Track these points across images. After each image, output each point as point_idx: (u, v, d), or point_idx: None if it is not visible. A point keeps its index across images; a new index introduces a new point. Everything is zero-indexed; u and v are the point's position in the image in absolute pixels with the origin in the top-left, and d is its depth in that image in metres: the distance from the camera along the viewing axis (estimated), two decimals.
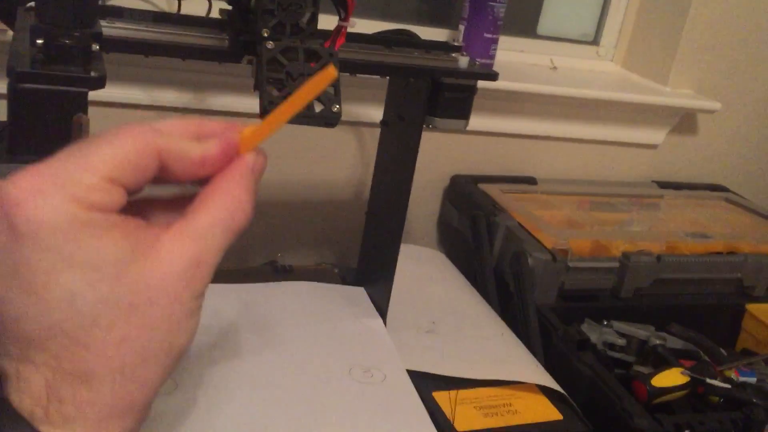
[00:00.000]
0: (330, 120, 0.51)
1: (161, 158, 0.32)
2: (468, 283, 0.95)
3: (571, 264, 0.91)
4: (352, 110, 1.01)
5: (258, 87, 0.51)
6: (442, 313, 0.84)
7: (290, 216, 1.02)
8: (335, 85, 0.52)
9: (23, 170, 0.30)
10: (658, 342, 0.85)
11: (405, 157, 0.72)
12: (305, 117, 0.50)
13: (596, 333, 0.87)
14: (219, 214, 0.33)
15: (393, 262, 0.76)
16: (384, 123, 0.77)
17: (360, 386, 0.64)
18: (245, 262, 0.84)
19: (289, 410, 0.60)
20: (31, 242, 0.29)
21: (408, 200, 0.73)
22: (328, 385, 0.63)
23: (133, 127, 0.32)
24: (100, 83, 0.46)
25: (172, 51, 0.54)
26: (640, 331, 0.88)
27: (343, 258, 1.01)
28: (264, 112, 0.51)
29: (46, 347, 0.29)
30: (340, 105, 0.52)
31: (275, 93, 0.49)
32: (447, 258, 1.02)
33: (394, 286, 0.78)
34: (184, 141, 0.33)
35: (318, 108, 0.51)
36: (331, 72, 0.32)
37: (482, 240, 0.97)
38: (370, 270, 0.82)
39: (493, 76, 0.65)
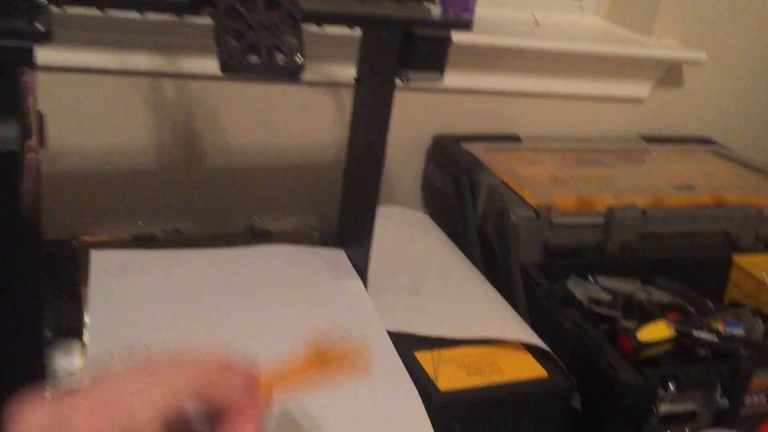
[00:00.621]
0: (293, 71, 0.49)
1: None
2: (451, 243, 0.93)
3: (555, 220, 0.89)
4: (329, 70, 0.98)
5: (216, 39, 0.48)
6: (424, 274, 0.83)
7: (269, 181, 1.00)
8: (299, 34, 0.49)
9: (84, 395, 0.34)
10: (643, 296, 0.84)
11: (380, 114, 0.70)
12: (267, 69, 0.48)
13: (581, 289, 0.86)
14: None
15: (371, 221, 0.75)
16: (358, 79, 0.74)
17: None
18: (223, 227, 0.82)
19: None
20: None
21: (384, 158, 0.71)
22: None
23: (190, 369, 0.36)
24: (46, 37, 0.44)
25: (127, 3, 0.51)
26: (625, 286, 0.86)
27: (323, 222, 0.99)
28: (224, 66, 0.48)
29: None
30: (303, 56, 0.50)
31: (233, 44, 0.47)
32: (430, 219, 1.00)
33: (375, 248, 0.76)
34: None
35: (281, 60, 0.49)
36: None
37: (465, 199, 0.95)
38: (350, 231, 0.81)
39: (465, 24, 0.63)
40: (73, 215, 0.85)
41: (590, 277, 0.89)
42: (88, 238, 0.74)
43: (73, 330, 0.65)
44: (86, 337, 0.59)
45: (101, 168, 0.90)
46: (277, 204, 0.99)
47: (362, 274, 0.76)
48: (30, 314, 0.52)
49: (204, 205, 0.94)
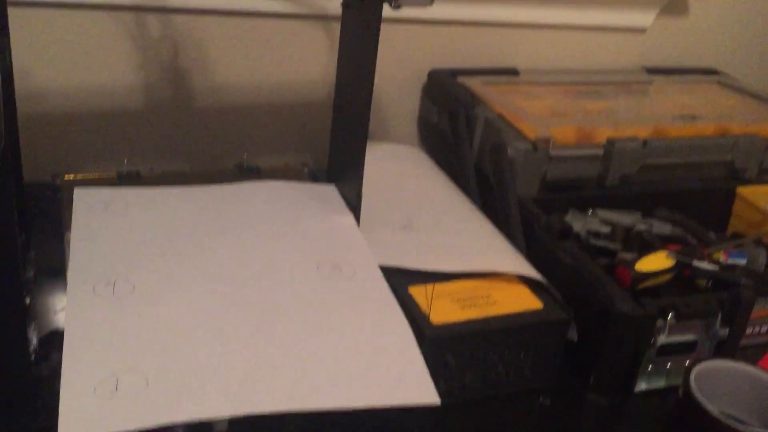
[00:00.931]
0: None
1: None
2: (448, 179, 0.91)
3: (553, 153, 0.87)
4: (320, 2, 0.95)
5: None
6: (418, 209, 0.81)
7: (259, 119, 0.97)
8: None
9: None
10: (643, 228, 0.82)
11: (367, 41, 0.67)
12: None
13: (580, 222, 0.84)
14: None
15: (361, 155, 0.72)
16: (345, 5, 0.71)
17: (327, 282, 0.62)
18: (211, 167, 0.80)
19: (249, 306, 0.57)
20: None
21: (372, 87, 0.69)
22: (293, 281, 0.61)
23: None
24: None
25: None
26: (625, 219, 0.84)
27: (315, 161, 0.96)
28: None
29: None
30: None
31: None
32: (426, 155, 0.98)
33: (368, 184, 0.74)
34: None
35: None
36: None
37: (461, 134, 0.93)
38: (340, 167, 0.78)
39: None
40: (56, 157, 0.83)
41: (589, 211, 0.87)
42: (71, 177, 0.72)
43: (57, 270, 0.64)
44: (68, 272, 0.58)
45: (85, 108, 0.88)
46: (267, 142, 0.97)
47: (354, 209, 0.74)
48: (7, 253, 0.50)
49: (192, 145, 0.91)
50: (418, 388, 0.52)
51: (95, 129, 0.89)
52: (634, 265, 0.73)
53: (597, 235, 0.83)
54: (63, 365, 0.48)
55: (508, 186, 0.84)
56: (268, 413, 0.48)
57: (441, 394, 0.64)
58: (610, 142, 0.89)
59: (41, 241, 0.71)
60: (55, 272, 0.64)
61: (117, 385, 0.47)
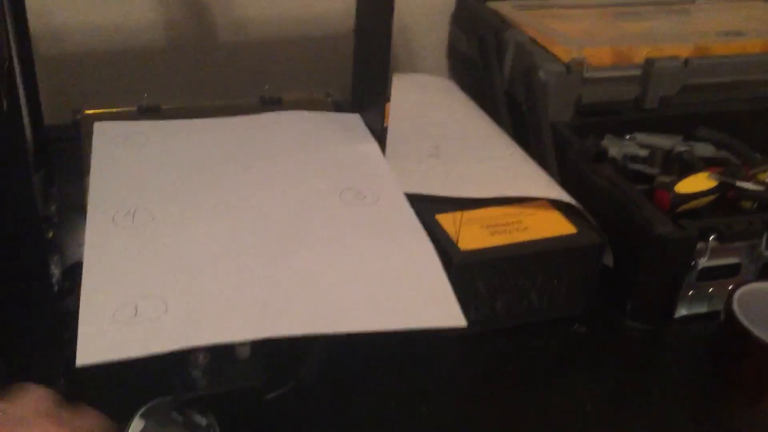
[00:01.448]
0: None
1: None
2: (477, 108, 0.88)
3: (587, 75, 0.83)
4: None
5: None
6: (446, 138, 0.78)
7: (280, 52, 0.95)
8: None
9: None
10: (684, 149, 0.78)
11: None
12: None
13: (616, 147, 0.81)
14: None
15: (385, 81, 0.69)
16: None
17: (351, 208, 0.60)
18: (233, 101, 0.79)
19: (270, 232, 0.56)
20: None
21: (393, 7, 0.65)
22: (314, 207, 0.59)
23: None
24: None
25: None
26: (665, 142, 0.81)
27: (338, 93, 0.94)
28: None
29: None
30: None
31: None
32: (455, 84, 0.94)
33: (395, 114, 0.71)
34: None
35: None
36: None
37: (491, 60, 0.89)
38: (364, 95, 0.76)
39: None
40: (78, 96, 0.82)
41: (626, 136, 0.84)
42: (91, 111, 0.72)
43: (81, 206, 0.63)
44: (88, 202, 0.57)
45: (105, 46, 0.87)
46: (289, 76, 0.94)
47: (379, 137, 0.71)
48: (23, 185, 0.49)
49: (213, 80, 0.90)
50: (444, 311, 0.50)
51: (116, 66, 0.88)
52: (673, 186, 0.70)
53: (634, 158, 0.79)
54: (82, 291, 0.48)
55: (540, 111, 0.81)
56: (290, 336, 0.47)
57: (471, 323, 0.63)
58: (649, 62, 0.84)
59: (64, 180, 0.70)
60: (79, 208, 0.63)
61: (136, 310, 0.47)
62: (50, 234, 0.60)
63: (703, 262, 0.66)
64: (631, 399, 0.61)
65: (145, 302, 0.47)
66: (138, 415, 0.47)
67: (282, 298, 0.49)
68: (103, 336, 0.44)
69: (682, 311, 0.68)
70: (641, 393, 0.61)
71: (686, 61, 0.85)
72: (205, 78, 0.91)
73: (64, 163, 0.72)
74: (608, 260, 0.67)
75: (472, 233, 0.64)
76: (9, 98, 0.46)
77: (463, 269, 0.61)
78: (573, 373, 0.63)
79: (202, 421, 0.47)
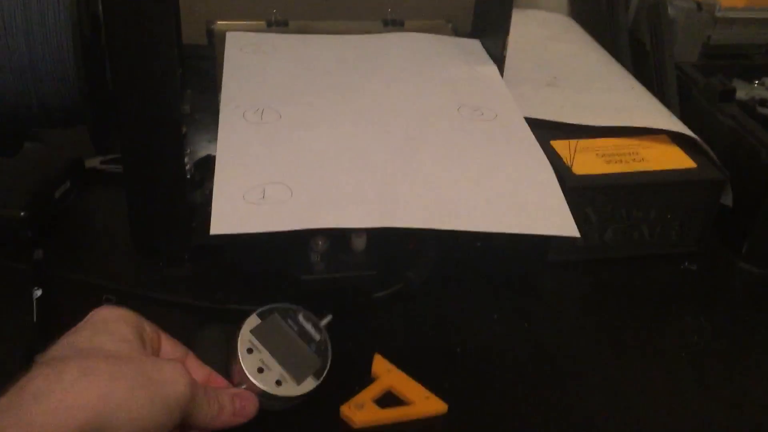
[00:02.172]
0: None
1: None
2: (598, 45, 0.86)
3: (719, 14, 0.80)
4: None
5: None
6: (565, 70, 0.78)
7: None
8: None
9: None
10: None
11: None
12: None
13: (745, 90, 0.77)
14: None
15: (508, 12, 0.69)
16: None
17: (468, 122, 0.61)
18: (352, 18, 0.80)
19: (391, 136, 0.57)
20: None
21: None
22: (434, 117, 0.60)
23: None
24: None
25: None
26: None
27: (459, 23, 0.94)
28: None
29: None
30: None
31: None
32: (575, 22, 0.93)
33: (514, 46, 0.71)
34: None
35: None
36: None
37: None
38: (485, 23, 0.76)
39: None
40: (209, 15, 0.86)
41: (756, 81, 0.80)
42: (223, 22, 0.75)
43: (209, 110, 0.66)
44: (220, 101, 0.60)
45: None
46: (412, 5, 0.94)
47: (498, 63, 0.71)
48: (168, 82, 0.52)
49: (339, 2, 0.91)
50: (557, 220, 0.51)
51: None
52: None
53: (763, 102, 0.76)
54: (215, 175, 0.51)
55: (665, 49, 0.79)
56: (408, 229, 0.48)
57: (578, 249, 0.63)
58: None
59: (196, 90, 0.74)
60: (209, 112, 0.67)
61: (264, 193, 0.49)
62: (184, 130, 0.63)
63: None
64: (740, 339, 0.59)
65: (273, 187, 0.50)
66: (255, 314, 0.47)
67: (402, 193, 0.51)
68: (234, 211, 0.48)
69: None
70: (752, 334, 0.60)
71: None
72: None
73: (197, 78, 0.76)
74: (727, 200, 0.65)
75: (587, 160, 0.64)
76: None
77: (576, 192, 0.60)
78: (680, 309, 0.61)
79: (317, 335, 0.48)
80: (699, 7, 0.79)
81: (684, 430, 0.51)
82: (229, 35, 0.71)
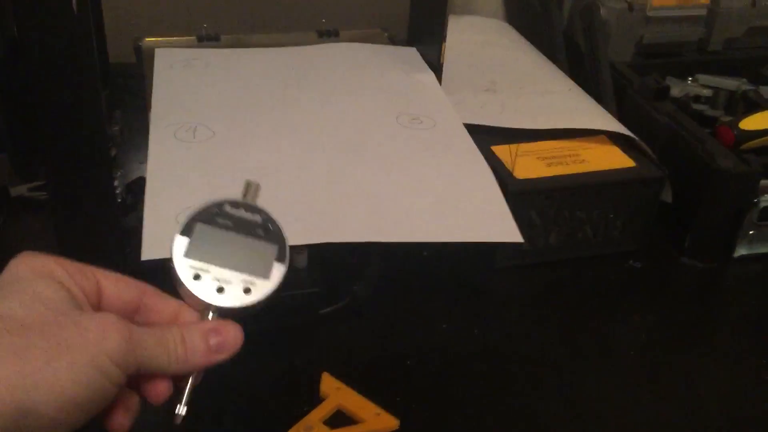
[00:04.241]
0: None
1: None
2: (534, 48, 0.87)
3: (650, 14, 0.81)
4: None
5: None
6: (503, 74, 0.78)
7: None
8: None
9: None
10: (750, 88, 0.75)
11: None
12: None
13: (678, 87, 0.79)
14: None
15: (443, 19, 0.69)
16: None
17: (407, 131, 0.60)
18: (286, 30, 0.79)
19: (329, 149, 0.56)
20: None
21: None
22: (372, 127, 0.59)
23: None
24: None
25: None
26: (729, 83, 0.78)
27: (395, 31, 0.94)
28: None
29: None
30: None
31: None
32: (511, 27, 0.93)
33: (451, 53, 0.71)
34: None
35: None
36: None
37: None
38: (421, 30, 0.75)
39: None
40: (138, 31, 0.83)
41: (689, 78, 0.81)
42: (151, 39, 0.73)
43: (139, 130, 0.64)
44: (150, 120, 0.58)
45: None
46: (346, 14, 0.94)
47: (436, 70, 0.71)
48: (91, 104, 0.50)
49: (271, 15, 0.90)
50: (500, 227, 0.50)
51: (174, 2, 0.89)
52: (737, 123, 0.68)
53: (697, 99, 0.77)
54: (146, 196, 0.49)
55: (600, 50, 0.79)
56: (347, 243, 0.47)
57: (524, 253, 0.63)
58: (714, 2, 0.82)
59: (125, 109, 0.72)
60: (139, 132, 0.65)
61: None
62: (113, 152, 0.61)
63: (766, 201, 0.64)
64: (687, 333, 0.60)
65: None
66: (178, 233, 0.39)
67: (342, 207, 0.50)
68: (166, 234, 0.45)
69: (741, 251, 0.67)
70: (697, 328, 0.60)
71: (754, 1, 0.82)
72: (263, 12, 0.91)
73: (126, 97, 0.74)
74: (667, 196, 0.66)
75: (528, 164, 0.64)
76: (80, 5, 0.47)
77: (518, 197, 0.60)
78: (628, 306, 0.62)
79: (256, 218, 0.40)
80: (630, 7, 0.80)
81: (638, 427, 0.51)
82: (158, 51, 0.69)
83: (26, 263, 0.34)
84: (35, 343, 0.31)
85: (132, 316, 0.37)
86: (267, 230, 0.40)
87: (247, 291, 0.38)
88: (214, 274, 0.38)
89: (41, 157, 0.51)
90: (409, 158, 0.56)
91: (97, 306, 0.36)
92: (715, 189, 0.64)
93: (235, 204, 0.40)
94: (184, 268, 0.38)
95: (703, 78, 0.80)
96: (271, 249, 0.39)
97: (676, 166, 0.65)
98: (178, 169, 0.52)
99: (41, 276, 0.34)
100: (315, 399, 0.49)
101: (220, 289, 0.38)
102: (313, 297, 0.52)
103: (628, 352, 0.57)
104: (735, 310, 0.63)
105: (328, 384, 0.49)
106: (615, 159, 0.65)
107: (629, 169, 0.64)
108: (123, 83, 0.76)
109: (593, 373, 0.54)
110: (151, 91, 0.63)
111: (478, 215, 0.51)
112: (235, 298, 0.38)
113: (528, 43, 0.88)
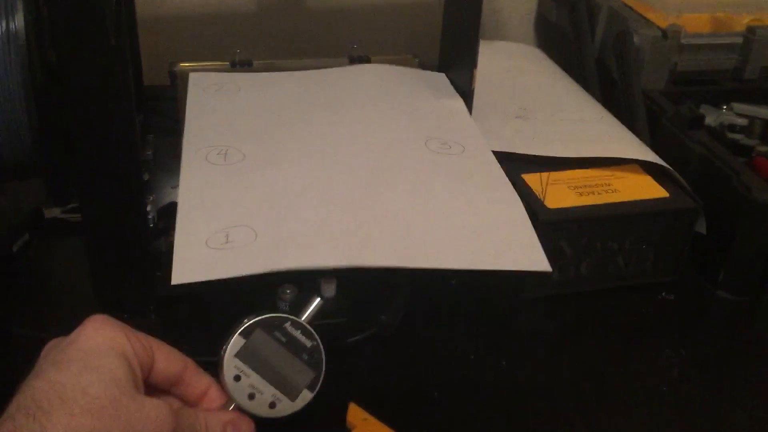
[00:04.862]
0: None
1: None
2: (566, 75, 0.86)
3: (684, 41, 0.80)
4: None
5: None
6: (534, 101, 0.77)
7: (370, 15, 0.95)
8: None
9: None
10: None
11: None
12: None
13: (713, 116, 0.77)
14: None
15: (474, 46, 0.68)
16: None
17: (436, 155, 0.60)
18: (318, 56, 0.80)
19: (358, 172, 0.56)
20: None
21: None
22: (401, 152, 0.59)
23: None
24: None
25: None
26: (765, 111, 0.77)
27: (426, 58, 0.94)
28: None
29: None
30: None
31: None
32: (543, 53, 0.93)
33: (481, 79, 0.71)
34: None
35: None
36: None
37: (582, 25, 0.87)
38: (452, 56, 0.75)
39: None
40: (173, 56, 0.85)
41: (724, 106, 0.80)
42: (186, 65, 0.74)
43: (172, 154, 0.65)
44: (183, 143, 0.59)
45: (200, 9, 0.89)
46: (378, 42, 0.95)
47: (466, 96, 0.71)
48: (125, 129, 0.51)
49: (303, 42, 0.91)
50: (528, 256, 0.49)
51: (210, 27, 0.90)
52: None
53: (732, 128, 0.76)
54: (177, 220, 0.50)
55: (633, 78, 0.79)
56: (375, 267, 0.47)
57: (553, 283, 0.62)
58: (750, 30, 0.81)
59: (159, 133, 0.73)
60: (173, 157, 0.65)
61: (227, 237, 0.48)
62: (146, 176, 0.62)
63: None
64: (720, 369, 0.58)
65: (236, 231, 0.48)
66: (238, 333, 0.43)
67: (369, 231, 0.49)
68: (196, 258, 0.46)
69: None
70: (732, 363, 0.59)
71: None
72: (295, 38, 0.92)
73: (160, 120, 0.75)
74: (701, 227, 0.65)
75: (559, 193, 0.63)
76: (117, 37, 0.47)
77: (549, 227, 0.60)
78: (659, 339, 0.60)
79: (307, 342, 0.44)
80: (664, 34, 0.79)
81: None
82: (192, 75, 0.69)
83: (102, 335, 0.39)
84: (109, 428, 0.35)
85: (171, 387, 0.42)
86: (312, 356, 0.44)
87: (272, 405, 0.43)
88: (252, 380, 0.43)
89: (75, 181, 0.52)
90: (437, 184, 0.56)
91: (147, 377, 0.41)
92: (751, 221, 0.63)
93: (296, 324, 0.44)
94: (230, 366, 0.42)
95: (739, 107, 0.79)
96: (308, 375, 0.44)
97: (710, 196, 0.64)
98: (209, 192, 0.53)
99: (114, 353, 0.38)
100: (342, 430, 0.48)
101: (251, 396, 0.42)
102: (341, 326, 0.51)
103: (659, 388, 0.55)
104: None
105: (355, 414, 0.49)
106: (648, 189, 0.64)
107: (663, 199, 0.63)
108: (158, 107, 0.77)
109: (622, 409, 0.53)
110: (184, 116, 0.64)
111: (506, 243, 0.50)
112: (260, 408, 0.43)
113: (559, 69, 0.87)
